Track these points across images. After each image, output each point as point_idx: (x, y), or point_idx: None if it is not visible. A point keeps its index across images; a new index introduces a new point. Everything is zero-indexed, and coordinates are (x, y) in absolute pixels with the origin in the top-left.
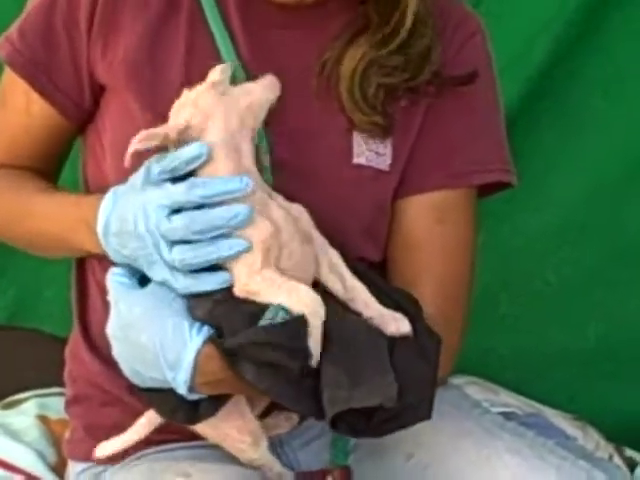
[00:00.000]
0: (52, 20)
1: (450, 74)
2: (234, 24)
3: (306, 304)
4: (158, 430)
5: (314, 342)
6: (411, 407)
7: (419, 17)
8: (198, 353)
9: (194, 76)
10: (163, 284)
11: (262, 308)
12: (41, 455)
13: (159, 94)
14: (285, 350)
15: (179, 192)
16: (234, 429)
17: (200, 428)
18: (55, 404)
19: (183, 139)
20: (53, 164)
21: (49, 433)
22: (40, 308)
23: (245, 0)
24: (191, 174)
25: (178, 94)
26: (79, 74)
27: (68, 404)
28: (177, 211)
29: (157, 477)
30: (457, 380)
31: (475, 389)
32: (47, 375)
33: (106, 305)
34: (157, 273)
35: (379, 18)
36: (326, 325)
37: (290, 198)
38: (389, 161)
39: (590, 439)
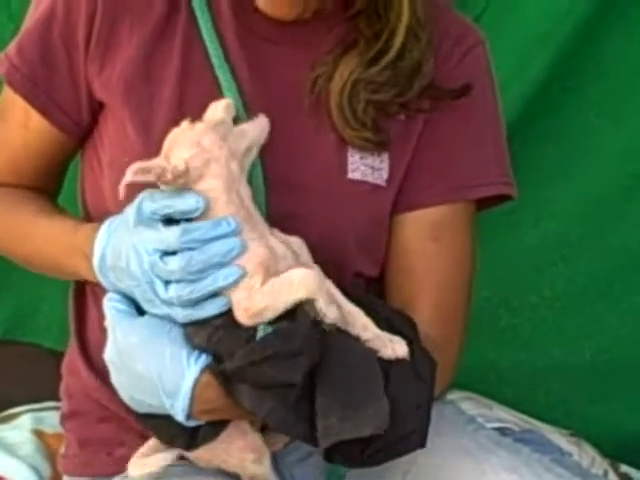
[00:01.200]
0: (50, 37)
1: (449, 87)
2: (229, 39)
3: (306, 284)
4: None
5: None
6: (405, 436)
7: (410, 32)
8: (196, 382)
9: (187, 93)
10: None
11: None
12: (36, 470)
13: (154, 111)
14: (283, 360)
15: (172, 237)
16: (236, 450)
17: (196, 454)
18: (50, 418)
19: (179, 181)
20: (53, 181)
21: (44, 447)
22: (38, 322)
23: (240, 16)
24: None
25: (171, 113)
26: (77, 91)
27: (63, 419)
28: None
29: None
30: (451, 395)
31: (469, 404)
32: (42, 389)
33: (104, 322)
34: (154, 309)
35: (370, 33)
36: (321, 350)
37: (285, 214)
38: (386, 176)
39: (585, 455)
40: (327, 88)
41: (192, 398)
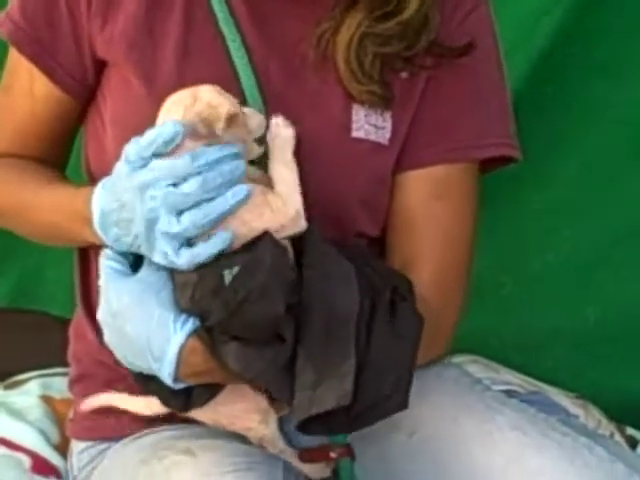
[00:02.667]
0: None
1: (451, 46)
2: None
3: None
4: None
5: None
6: (384, 398)
7: None
8: (181, 347)
9: (191, 46)
10: (155, 270)
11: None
12: (44, 434)
13: (157, 65)
14: (259, 297)
15: (182, 164)
16: (240, 411)
17: (201, 415)
18: (58, 384)
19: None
20: (59, 151)
21: (52, 413)
22: (43, 290)
23: None
24: None
25: (175, 66)
26: (81, 51)
27: (72, 383)
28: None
29: (159, 455)
30: (458, 359)
31: (476, 367)
32: (50, 357)
33: None
34: (159, 253)
35: None
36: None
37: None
38: (389, 135)
39: (591, 417)
40: (334, 42)
41: (178, 363)
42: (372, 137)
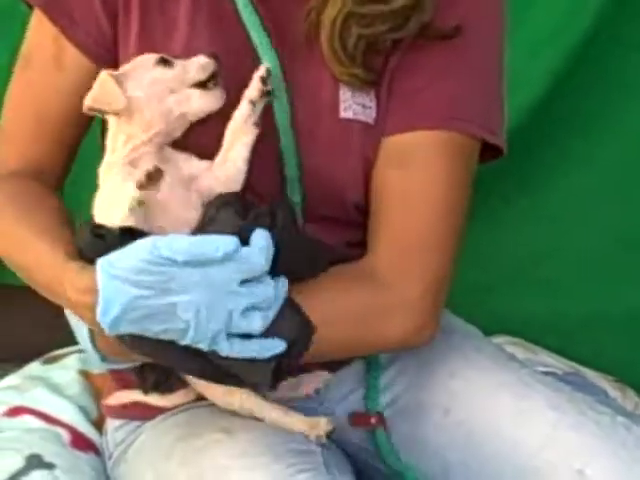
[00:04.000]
0: None
1: (445, 25)
2: None
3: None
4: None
5: None
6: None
7: None
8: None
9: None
10: None
11: None
12: (83, 410)
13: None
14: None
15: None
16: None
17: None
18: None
19: None
20: (70, 152)
21: (91, 388)
22: None
23: None
24: None
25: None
26: (107, 19)
27: None
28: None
29: (196, 432)
30: (496, 340)
31: (514, 349)
32: None
33: None
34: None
35: None
36: None
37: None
38: (374, 115)
39: (629, 400)
40: (319, 21)
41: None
42: (361, 117)
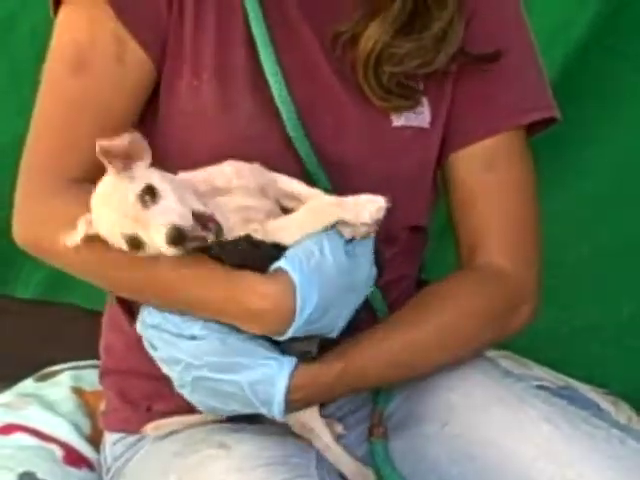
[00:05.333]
0: None
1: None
2: None
3: None
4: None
5: None
6: None
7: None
8: (287, 388)
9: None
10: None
11: None
12: (76, 426)
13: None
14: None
15: None
16: None
17: None
18: (89, 376)
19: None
20: None
21: (84, 405)
22: (74, 283)
23: None
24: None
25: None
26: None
27: (103, 375)
28: None
29: (193, 448)
30: (489, 354)
31: (507, 363)
32: (80, 349)
33: None
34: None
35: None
36: None
37: (336, 163)
38: (428, 118)
39: (622, 413)
40: (353, 54)
41: (286, 402)
42: (413, 123)
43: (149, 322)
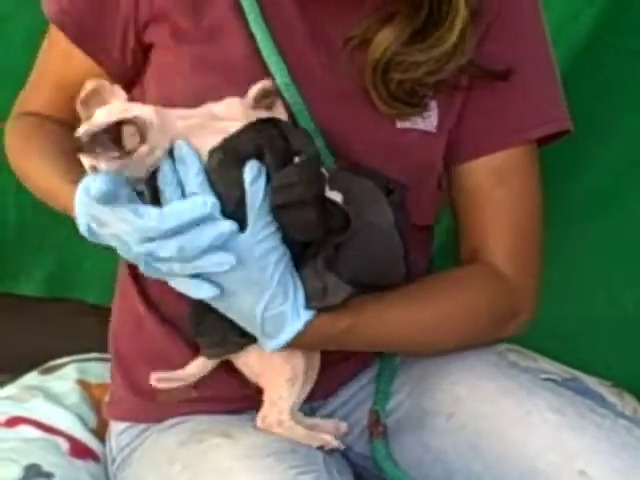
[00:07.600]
0: None
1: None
2: None
3: None
4: (200, 399)
5: None
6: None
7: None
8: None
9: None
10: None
11: None
12: (81, 418)
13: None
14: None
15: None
16: (280, 357)
17: (244, 359)
18: (94, 369)
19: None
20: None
21: (89, 397)
22: (79, 278)
23: None
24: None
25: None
26: (125, 36)
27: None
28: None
29: (198, 437)
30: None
31: (513, 356)
32: (86, 344)
33: None
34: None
35: (408, 10)
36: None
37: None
38: (436, 122)
39: (628, 406)
40: (362, 58)
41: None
42: (420, 126)
43: None
